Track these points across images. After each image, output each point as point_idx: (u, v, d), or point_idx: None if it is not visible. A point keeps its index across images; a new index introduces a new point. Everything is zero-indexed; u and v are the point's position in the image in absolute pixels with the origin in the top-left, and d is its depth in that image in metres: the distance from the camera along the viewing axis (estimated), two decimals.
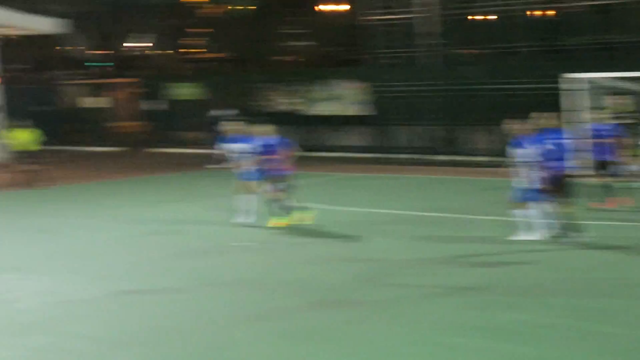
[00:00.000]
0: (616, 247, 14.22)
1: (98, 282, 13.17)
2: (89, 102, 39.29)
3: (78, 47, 54.90)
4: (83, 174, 28.99)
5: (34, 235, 17.68)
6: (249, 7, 34.95)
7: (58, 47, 49.57)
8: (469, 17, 28.71)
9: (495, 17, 27.80)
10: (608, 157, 17.96)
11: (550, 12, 27.89)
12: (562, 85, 22.36)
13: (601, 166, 18.07)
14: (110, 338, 10.13)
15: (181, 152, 34.03)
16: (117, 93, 39.82)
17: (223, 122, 19.64)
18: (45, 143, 25.91)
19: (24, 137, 25.18)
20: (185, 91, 36.13)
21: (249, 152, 17.21)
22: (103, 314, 11.34)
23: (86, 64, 52.64)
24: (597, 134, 18.18)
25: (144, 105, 38.37)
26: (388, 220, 17.91)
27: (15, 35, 39.65)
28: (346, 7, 44.02)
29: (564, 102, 22.03)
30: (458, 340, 9.55)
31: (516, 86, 25.45)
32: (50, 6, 42.46)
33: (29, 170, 24.77)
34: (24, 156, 25.07)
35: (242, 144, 17.45)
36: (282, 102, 32.75)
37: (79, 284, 13.12)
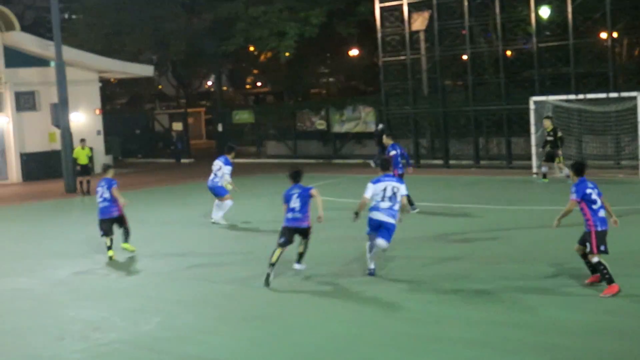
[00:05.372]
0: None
1: (174, 258, 16.59)
2: (173, 125, 50.13)
3: (162, 85, 73.05)
4: (163, 179, 36.04)
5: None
6: (292, 53, 43.37)
7: (147, 86, 65.79)
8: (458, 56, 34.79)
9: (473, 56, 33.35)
10: None
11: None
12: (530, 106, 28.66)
13: None
14: (183, 299, 13.10)
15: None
16: (189, 119, 53.54)
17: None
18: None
19: (81, 154, 30.24)
20: (240, 117, 46.95)
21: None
22: (178, 282, 14.47)
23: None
24: None
25: (209, 128, 58.15)
26: None
27: (114, 78, 51.73)
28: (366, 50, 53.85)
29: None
30: (444, 297, 12.28)
31: (489, 108, 32.90)
32: (143, 56, 52.58)
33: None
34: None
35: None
36: (316, 123, 41.84)
37: (159, 260, 16.53)
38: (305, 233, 14.14)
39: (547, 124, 26.17)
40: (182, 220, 21.88)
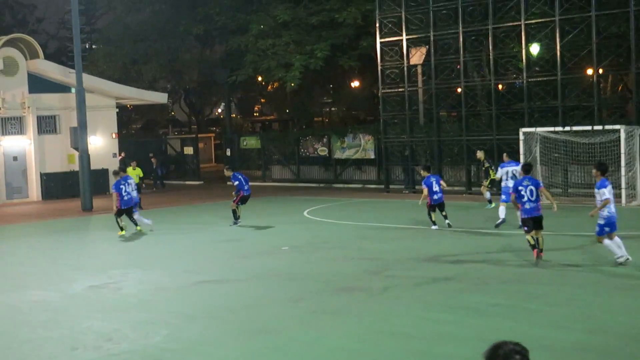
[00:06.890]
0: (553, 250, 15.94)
1: (183, 275, 16.48)
2: (185, 150, 50.63)
3: (174, 112, 75.15)
4: (177, 199, 36.32)
5: (134, 243, 21.90)
6: (297, 84, 42.87)
7: (161, 112, 68.20)
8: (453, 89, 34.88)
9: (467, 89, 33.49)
10: None
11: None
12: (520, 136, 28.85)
13: None
14: (190, 314, 12.89)
15: None
16: (200, 144, 53.68)
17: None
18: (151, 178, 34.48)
19: (133, 173, 30.30)
20: (247, 142, 46.80)
21: None
22: (186, 297, 14.36)
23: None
24: None
25: (218, 152, 58.82)
26: (387, 231, 22.15)
27: (130, 104, 52.39)
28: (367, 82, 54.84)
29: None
30: (437, 315, 12.11)
31: (481, 138, 32.42)
32: (158, 84, 53.67)
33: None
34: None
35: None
36: (318, 149, 42.28)
37: (169, 276, 16.40)
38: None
39: (480, 155, 27.02)
40: (190, 239, 21.85)
